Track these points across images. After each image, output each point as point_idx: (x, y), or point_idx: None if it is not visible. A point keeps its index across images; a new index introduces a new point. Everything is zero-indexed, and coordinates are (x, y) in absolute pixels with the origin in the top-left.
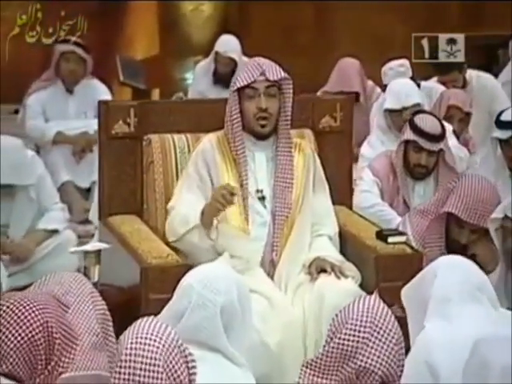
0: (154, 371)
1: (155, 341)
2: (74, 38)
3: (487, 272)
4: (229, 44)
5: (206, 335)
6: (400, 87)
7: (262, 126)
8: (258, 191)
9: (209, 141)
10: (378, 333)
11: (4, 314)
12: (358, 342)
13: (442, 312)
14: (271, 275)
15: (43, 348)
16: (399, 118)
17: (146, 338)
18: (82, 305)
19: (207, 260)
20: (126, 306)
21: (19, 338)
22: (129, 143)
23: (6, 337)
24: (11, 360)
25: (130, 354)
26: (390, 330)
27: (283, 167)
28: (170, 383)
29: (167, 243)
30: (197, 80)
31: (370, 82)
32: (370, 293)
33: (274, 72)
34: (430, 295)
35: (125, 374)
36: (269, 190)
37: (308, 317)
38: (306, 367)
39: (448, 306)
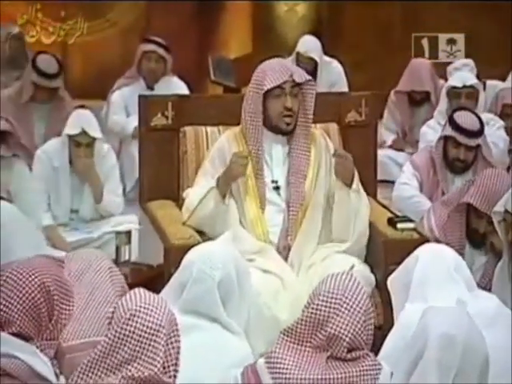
0: (157, 336)
1: (160, 309)
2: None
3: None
4: (309, 44)
5: (205, 306)
6: (462, 72)
7: (287, 124)
8: (272, 181)
9: (226, 138)
10: (348, 304)
11: (5, 283)
12: (329, 311)
13: (421, 294)
14: (286, 258)
15: (44, 306)
16: (457, 99)
17: (150, 305)
18: (100, 277)
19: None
20: (154, 282)
21: (21, 302)
22: (166, 135)
23: (10, 302)
24: (18, 322)
25: (133, 318)
26: (359, 302)
27: (299, 162)
28: (164, 349)
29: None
30: None
31: (442, 82)
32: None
33: (301, 75)
34: (412, 280)
35: (125, 330)
36: (283, 180)
37: None
38: (284, 334)
39: (426, 288)
